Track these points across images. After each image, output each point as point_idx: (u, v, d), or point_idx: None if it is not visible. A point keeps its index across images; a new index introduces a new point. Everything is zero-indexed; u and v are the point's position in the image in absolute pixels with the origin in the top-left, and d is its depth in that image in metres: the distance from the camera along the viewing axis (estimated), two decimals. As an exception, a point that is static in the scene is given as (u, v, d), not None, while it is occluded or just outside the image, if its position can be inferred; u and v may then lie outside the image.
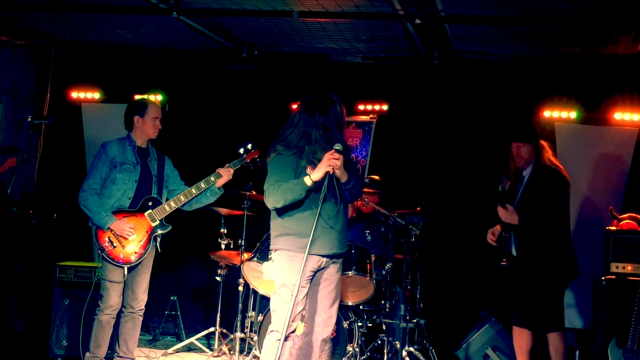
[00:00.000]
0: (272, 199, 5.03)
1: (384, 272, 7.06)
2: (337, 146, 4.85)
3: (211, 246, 7.44)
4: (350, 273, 6.64)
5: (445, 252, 8.25)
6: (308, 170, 4.98)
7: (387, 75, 8.47)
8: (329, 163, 4.81)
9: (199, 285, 8.78)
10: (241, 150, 6.17)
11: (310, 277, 5.10)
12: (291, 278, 4.96)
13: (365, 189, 7.48)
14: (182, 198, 6.01)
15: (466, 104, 8.32)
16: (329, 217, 5.02)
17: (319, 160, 4.93)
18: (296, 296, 4.74)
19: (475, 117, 8.27)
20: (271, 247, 5.22)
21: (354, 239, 7.09)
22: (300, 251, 4.91)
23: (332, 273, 5.17)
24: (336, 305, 5.26)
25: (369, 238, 7.53)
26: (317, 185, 4.91)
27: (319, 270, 5.14)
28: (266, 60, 8.44)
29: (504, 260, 6.03)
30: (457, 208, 8.21)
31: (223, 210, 7.17)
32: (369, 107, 8.67)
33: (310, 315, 5.19)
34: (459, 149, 8.36)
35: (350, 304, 6.87)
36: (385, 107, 8.65)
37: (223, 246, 7.22)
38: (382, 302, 7.06)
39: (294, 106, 8.74)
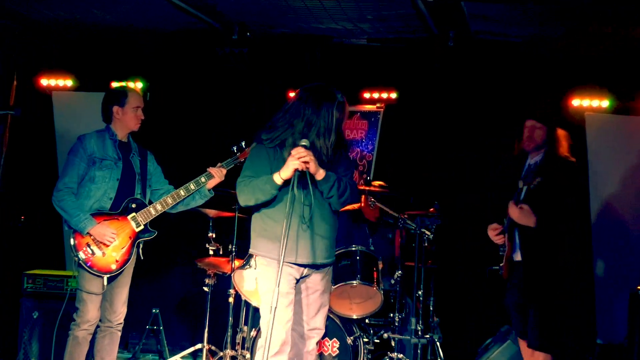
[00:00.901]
0: (242, 197, 5.18)
1: (392, 281, 7.18)
2: (303, 142, 4.97)
3: (198, 252, 7.51)
4: (354, 282, 6.77)
5: (463, 258, 8.33)
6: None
7: (395, 59, 8.56)
8: (294, 160, 4.92)
9: (184, 297, 8.88)
10: (234, 149, 6.29)
11: (294, 284, 5.21)
12: (280, 285, 5.01)
13: (362, 187, 7.62)
14: (170, 200, 6.12)
15: (485, 90, 8.44)
16: (305, 221, 5.11)
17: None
18: (276, 308, 4.81)
19: (496, 105, 8.34)
20: (250, 250, 5.32)
21: (358, 243, 7.22)
22: (275, 259, 5.02)
23: (315, 281, 5.28)
24: (322, 316, 5.35)
25: (371, 248, 7.64)
26: (300, 183, 5.04)
27: (302, 278, 5.25)
28: (260, 43, 8.49)
29: (501, 265, 5.99)
30: (476, 209, 8.22)
31: (211, 212, 7.26)
32: (376, 95, 8.78)
33: (291, 328, 5.23)
34: (478, 142, 8.41)
35: (354, 317, 7.01)
36: (393, 95, 8.76)
37: (211, 252, 7.30)
38: (391, 315, 7.17)
39: (292, 94, 8.88)
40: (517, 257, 5.92)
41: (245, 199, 5.16)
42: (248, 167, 5.24)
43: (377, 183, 7.77)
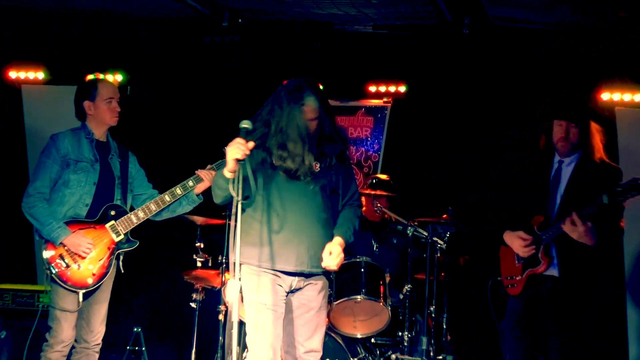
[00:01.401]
0: (212, 193, 5.24)
1: (401, 296, 7.16)
2: (244, 123, 4.89)
3: (184, 264, 7.50)
4: (359, 297, 6.75)
5: (480, 272, 8.30)
6: None
7: (404, 49, 8.53)
8: (232, 149, 4.82)
9: (169, 314, 8.85)
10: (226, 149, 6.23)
11: (284, 297, 5.14)
12: (261, 296, 5.00)
13: (367, 190, 7.61)
14: (153, 207, 6.09)
15: (504, 83, 8.42)
16: (296, 223, 5.09)
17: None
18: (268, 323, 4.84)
19: (516, 99, 8.33)
20: (241, 260, 5.15)
21: (362, 253, 7.21)
22: (261, 267, 5.01)
23: (310, 297, 5.20)
24: (319, 336, 5.26)
25: (376, 252, 7.62)
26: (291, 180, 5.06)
27: (293, 292, 5.18)
28: (253, 31, 8.49)
29: (514, 278, 5.80)
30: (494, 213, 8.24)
31: (199, 219, 7.23)
32: (382, 89, 8.78)
33: (284, 350, 5.21)
34: (498, 139, 8.39)
35: (359, 336, 6.99)
36: (402, 89, 8.76)
37: (199, 264, 7.28)
38: (400, 333, 7.15)
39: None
40: (551, 272, 5.71)
41: (213, 195, 5.23)
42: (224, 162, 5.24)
43: (382, 176, 7.79)
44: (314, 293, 5.20)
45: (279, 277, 5.06)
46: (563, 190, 5.71)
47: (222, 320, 7.20)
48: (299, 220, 5.07)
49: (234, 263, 4.69)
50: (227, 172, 4.90)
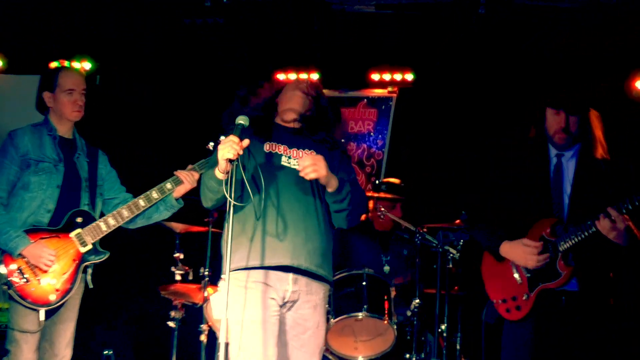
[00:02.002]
0: (201, 197, 5.21)
1: (409, 313, 7.17)
2: (241, 119, 4.92)
3: (161, 278, 7.51)
4: (360, 315, 6.75)
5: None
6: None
7: (411, 32, 8.54)
8: (224, 147, 4.80)
9: (144, 334, 8.86)
10: (210, 145, 6.22)
11: (277, 312, 5.10)
12: (248, 311, 4.96)
13: (370, 193, 7.60)
14: (126, 213, 6.05)
15: (524, 69, 8.41)
16: (284, 225, 5.08)
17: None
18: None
19: (538, 88, 8.34)
20: (234, 265, 5.14)
21: (367, 263, 7.21)
22: (243, 267, 4.99)
23: (306, 315, 5.17)
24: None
25: (386, 268, 7.63)
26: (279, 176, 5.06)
27: (286, 304, 5.13)
28: (239, 12, 8.50)
29: (525, 296, 5.45)
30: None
31: (178, 226, 7.25)
32: (387, 77, 8.79)
33: None
34: (516, 135, 8.42)
35: (360, 359, 6.98)
36: (409, 77, 8.78)
37: (178, 277, 7.30)
38: (407, 356, 7.17)
39: (279, 76, 8.88)
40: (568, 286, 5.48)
41: (202, 197, 5.21)
42: (213, 158, 5.23)
43: (393, 180, 7.78)
44: (309, 310, 5.17)
45: (270, 286, 5.02)
46: (570, 189, 5.55)
47: (205, 341, 7.21)
48: (293, 212, 5.09)
49: (225, 273, 4.67)
50: (219, 173, 4.90)
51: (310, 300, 5.17)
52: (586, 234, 5.23)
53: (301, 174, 4.85)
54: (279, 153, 5.13)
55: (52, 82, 6.06)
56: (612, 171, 5.47)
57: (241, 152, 4.75)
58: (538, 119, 5.73)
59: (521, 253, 5.47)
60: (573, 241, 5.30)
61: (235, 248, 5.03)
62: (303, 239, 5.06)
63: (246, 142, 4.81)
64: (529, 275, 5.46)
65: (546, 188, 5.56)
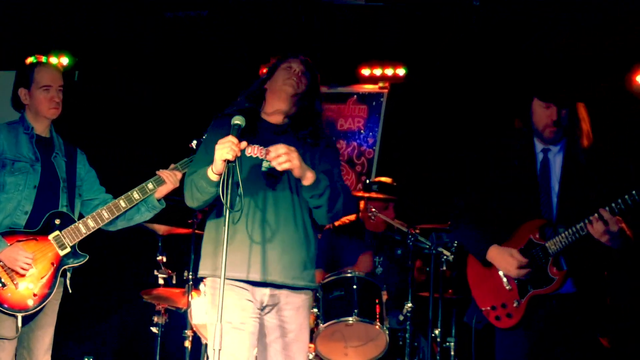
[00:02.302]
0: (186, 196, 5.19)
1: (401, 318, 7.20)
2: (236, 119, 4.91)
3: (144, 281, 7.51)
4: (351, 319, 6.78)
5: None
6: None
7: (403, 25, 8.56)
8: (222, 147, 4.79)
9: (126, 340, 8.87)
10: (194, 144, 6.23)
11: (256, 315, 5.10)
12: (224, 313, 4.88)
13: (360, 193, 7.64)
14: (106, 214, 6.02)
15: (519, 64, 8.43)
16: (268, 228, 5.06)
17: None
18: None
19: (533, 84, 8.38)
20: (199, 273, 5.23)
21: (355, 265, 7.23)
22: (227, 278, 4.92)
23: (287, 317, 5.15)
24: None
25: (379, 270, 7.68)
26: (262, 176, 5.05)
27: (265, 307, 5.12)
28: (223, 4, 8.50)
29: (517, 302, 5.33)
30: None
31: (161, 228, 7.26)
32: (378, 72, 8.83)
33: None
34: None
35: (351, 365, 7.04)
36: (401, 72, 8.82)
37: (161, 281, 7.30)
38: (399, 361, 7.22)
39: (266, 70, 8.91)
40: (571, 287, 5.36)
41: (187, 197, 5.19)
42: (197, 156, 5.29)
43: (385, 179, 7.83)
44: (292, 312, 5.15)
45: (247, 290, 5.04)
46: (558, 187, 5.43)
47: (189, 347, 7.23)
48: (270, 223, 5.06)
49: (221, 277, 4.61)
50: (212, 174, 4.91)
51: (291, 302, 5.15)
52: (577, 236, 5.13)
53: (273, 164, 4.81)
54: (260, 157, 5.08)
55: (27, 78, 6.03)
56: (600, 167, 5.37)
57: (239, 154, 4.74)
58: (523, 112, 5.62)
59: (505, 262, 5.35)
60: (563, 244, 5.20)
61: (214, 254, 5.08)
62: (279, 252, 5.02)
63: (244, 144, 4.80)
64: (518, 281, 5.34)
65: (533, 186, 5.45)
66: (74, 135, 6.45)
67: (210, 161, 4.93)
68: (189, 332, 7.21)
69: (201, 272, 5.14)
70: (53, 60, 8.74)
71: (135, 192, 6.03)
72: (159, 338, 7.32)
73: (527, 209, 5.40)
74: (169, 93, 9.06)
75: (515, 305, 5.34)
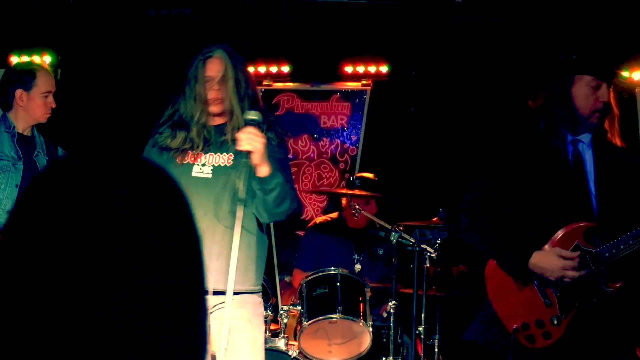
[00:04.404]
0: None
1: (385, 315, 7.21)
2: (254, 115, 4.80)
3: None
4: (334, 317, 6.78)
5: (478, 283, 8.37)
6: None
7: (386, 21, 8.59)
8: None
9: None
10: None
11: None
12: None
13: (343, 190, 7.65)
14: None
15: (505, 59, 8.49)
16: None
17: None
18: None
19: (519, 76, 8.38)
20: None
21: (339, 264, 7.24)
22: None
23: (236, 327, 4.92)
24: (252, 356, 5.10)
25: (357, 267, 7.68)
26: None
27: (212, 312, 4.94)
28: (206, 2, 8.50)
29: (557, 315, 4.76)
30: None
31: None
32: (361, 69, 8.83)
33: None
34: (496, 127, 8.43)
35: (335, 363, 7.05)
36: (384, 69, 8.81)
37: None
38: (383, 359, 7.19)
39: (250, 68, 8.92)
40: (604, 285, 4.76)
41: None
42: None
43: (367, 175, 7.85)
44: (238, 321, 4.93)
45: None
46: (594, 186, 4.84)
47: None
48: (204, 226, 4.89)
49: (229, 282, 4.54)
50: None
51: (239, 315, 4.96)
52: (636, 242, 4.58)
53: (236, 146, 4.67)
54: (191, 163, 5.02)
55: (29, 81, 6.04)
56: (635, 162, 4.88)
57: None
58: (555, 92, 4.86)
59: (556, 266, 4.69)
60: (622, 252, 4.62)
61: None
62: (217, 259, 4.82)
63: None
64: (558, 294, 4.76)
65: (568, 184, 4.83)
66: (56, 133, 6.45)
67: None
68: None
69: None
70: (36, 58, 8.71)
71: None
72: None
73: (565, 210, 4.79)
74: (151, 91, 9.03)
75: (555, 323, 4.76)
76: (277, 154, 5.02)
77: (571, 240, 4.71)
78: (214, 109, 5.02)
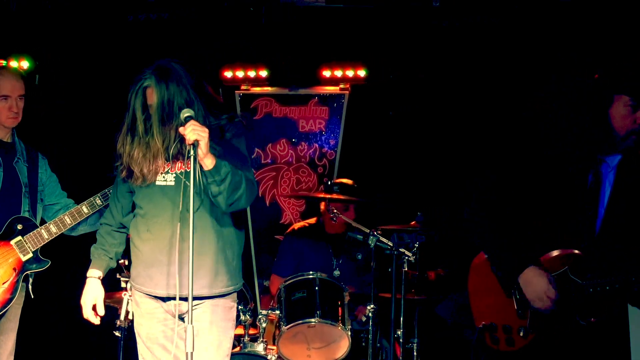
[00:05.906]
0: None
1: (363, 319, 7.22)
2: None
3: (106, 285, 7.47)
4: (313, 321, 6.80)
5: (457, 286, 8.38)
6: None
7: (363, 26, 8.59)
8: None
9: (88, 344, 8.84)
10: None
11: (167, 327, 5.06)
12: (140, 326, 5.05)
13: (321, 194, 7.66)
14: (68, 220, 6.03)
15: (483, 64, 8.53)
16: (154, 253, 5.07)
17: None
18: None
19: (500, 82, 8.41)
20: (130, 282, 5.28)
21: (318, 269, 7.26)
22: (139, 290, 5.07)
23: (203, 330, 4.97)
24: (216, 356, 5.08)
25: (336, 272, 7.71)
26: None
27: (183, 316, 4.87)
28: (184, 6, 8.48)
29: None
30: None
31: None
32: (339, 74, 8.84)
33: None
34: (473, 134, 8.46)
35: (314, 367, 7.05)
36: (361, 73, 8.83)
37: (124, 284, 7.28)
38: (362, 363, 7.24)
39: (227, 74, 8.94)
40: None
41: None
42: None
43: (346, 181, 7.85)
44: (206, 324, 5.00)
45: (156, 302, 5.05)
46: (604, 207, 4.78)
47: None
48: (165, 239, 4.99)
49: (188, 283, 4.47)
50: None
51: (206, 319, 5.01)
52: (621, 285, 4.58)
53: (186, 137, 4.59)
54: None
55: None
56: None
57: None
58: (599, 104, 4.74)
59: (539, 288, 4.71)
60: (605, 289, 4.61)
61: (134, 254, 5.21)
62: (177, 267, 4.75)
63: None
64: (534, 311, 4.77)
65: (580, 204, 4.78)
66: (35, 139, 6.42)
67: None
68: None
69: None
70: (13, 64, 8.68)
71: (97, 198, 6.04)
72: (122, 342, 7.27)
73: (567, 229, 4.77)
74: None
75: (521, 334, 4.81)
76: (236, 142, 5.04)
77: (560, 266, 4.71)
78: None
